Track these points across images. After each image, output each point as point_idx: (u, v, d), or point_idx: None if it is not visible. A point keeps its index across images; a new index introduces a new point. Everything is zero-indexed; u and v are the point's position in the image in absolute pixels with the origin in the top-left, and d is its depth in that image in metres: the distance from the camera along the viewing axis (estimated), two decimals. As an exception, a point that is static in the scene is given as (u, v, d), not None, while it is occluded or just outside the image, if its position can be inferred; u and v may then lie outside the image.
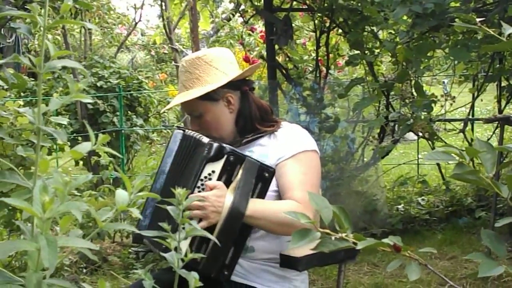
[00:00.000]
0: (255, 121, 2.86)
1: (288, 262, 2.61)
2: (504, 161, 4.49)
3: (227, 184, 2.53)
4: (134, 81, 8.62)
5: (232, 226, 2.49)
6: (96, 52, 11.60)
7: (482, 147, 1.69)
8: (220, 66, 2.82)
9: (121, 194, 1.50)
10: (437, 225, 6.44)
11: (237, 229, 2.51)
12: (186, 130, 2.88)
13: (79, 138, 7.79)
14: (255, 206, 2.52)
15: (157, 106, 9.45)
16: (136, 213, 1.46)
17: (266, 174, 2.57)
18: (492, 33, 1.84)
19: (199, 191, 2.53)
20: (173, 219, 1.75)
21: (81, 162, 8.34)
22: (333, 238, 1.60)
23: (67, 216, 1.34)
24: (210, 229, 2.42)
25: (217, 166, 2.54)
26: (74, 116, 7.85)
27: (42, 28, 1.37)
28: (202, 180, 2.54)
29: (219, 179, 2.53)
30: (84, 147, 1.44)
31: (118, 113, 8.15)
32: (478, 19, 1.88)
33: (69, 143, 7.88)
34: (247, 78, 2.95)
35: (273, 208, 2.56)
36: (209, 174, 2.54)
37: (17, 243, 1.29)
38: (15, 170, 1.49)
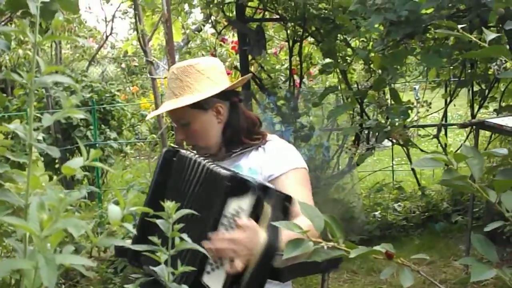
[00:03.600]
0: (242, 133, 2.85)
1: (271, 274, 2.59)
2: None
3: (255, 219, 2.40)
4: (106, 95, 8.57)
5: (266, 265, 2.40)
6: (67, 66, 11.55)
7: (469, 152, 1.71)
8: (212, 75, 2.82)
9: (113, 210, 1.48)
10: (414, 231, 6.47)
11: (270, 267, 2.42)
12: (181, 151, 2.80)
13: (53, 153, 7.71)
14: (283, 239, 2.40)
15: (130, 119, 9.41)
16: (130, 228, 1.45)
17: (287, 204, 2.47)
18: (475, 39, 1.86)
19: (226, 229, 2.41)
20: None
21: (55, 177, 8.26)
22: (325, 247, 1.60)
23: (59, 233, 1.33)
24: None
25: (244, 203, 2.39)
26: (47, 130, 7.77)
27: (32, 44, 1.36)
28: (227, 217, 2.40)
29: (248, 215, 2.40)
30: (76, 163, 1.42)
31: (91, 127, 8.09)
32: (459, 26, 1.89)
33: (42, 158, 7.81)
34: (236, 90, 2.96)
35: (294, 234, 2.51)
36: (237, 212, 2.40)
37: (13, 262, 1.27)
38: (6, 188, 1.47)
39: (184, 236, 1.71)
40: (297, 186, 2.70)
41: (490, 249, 1.64)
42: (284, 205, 2.46)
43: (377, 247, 1.59)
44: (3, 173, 3.59)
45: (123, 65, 16.43)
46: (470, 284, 4.94)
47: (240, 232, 2.35)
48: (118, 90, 9.97)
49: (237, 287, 2.39)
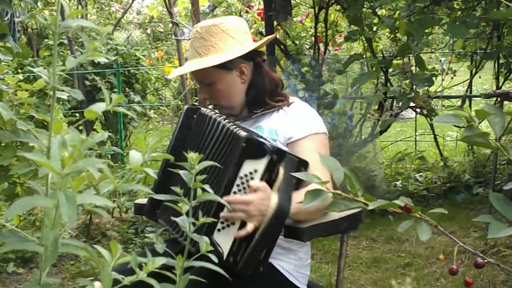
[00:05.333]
0: (266, 93, 2.83)
1: (293, 233, 2.59)
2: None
3: (269, 182, 2.44)
4: (131, 58, 8.57)
5: (276, 227, 2.44)
6: (92, 30, 11.54)
7: (491, 110, 1.70)
8: (236, 35, 2.79)
9: (134, 155, 1.49)
10: (435, 201, 6.45)
11: (280, 230, 2.48)
12: (202, 109, 2.80)
13: (77, 114, 7.77)
14: (295, 203, 2.45)
15: (155, 83, 9.41)
16: (150, 173, 1.46)
17: (302, 170, 2.51)
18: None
19: (239, 190, 2.45)
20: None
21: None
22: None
23: (80, 178, 1.34)
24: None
25: (259, 165, 2.44)
26: (71, 92, 7.77)
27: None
28: (242, 178, 2.45)
29: (261, 178, 2.45)
30: (99, 107, 1.44)
31: (115, 90, 8.11)
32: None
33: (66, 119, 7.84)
34: (260, 50, 2.94)
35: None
36: (250, 173, 2.45)
37: (34, 199, 1.28)
38: (30, 130, 1.48)
39: (206, 187, 1.72)
40: (314, 152, 2.66)
41: (509, 208, 1.64)
42: (299, 170, 2.49)
43: (396, 201, 1.60)
44: (28, 130, 3.62)
45: (149, 31, 16.42)
46: (489, 255, 4.92)
47: (252, 194, 2.40)
48: (143, 56, 9.96)
49: (246, 247, 2.42)
